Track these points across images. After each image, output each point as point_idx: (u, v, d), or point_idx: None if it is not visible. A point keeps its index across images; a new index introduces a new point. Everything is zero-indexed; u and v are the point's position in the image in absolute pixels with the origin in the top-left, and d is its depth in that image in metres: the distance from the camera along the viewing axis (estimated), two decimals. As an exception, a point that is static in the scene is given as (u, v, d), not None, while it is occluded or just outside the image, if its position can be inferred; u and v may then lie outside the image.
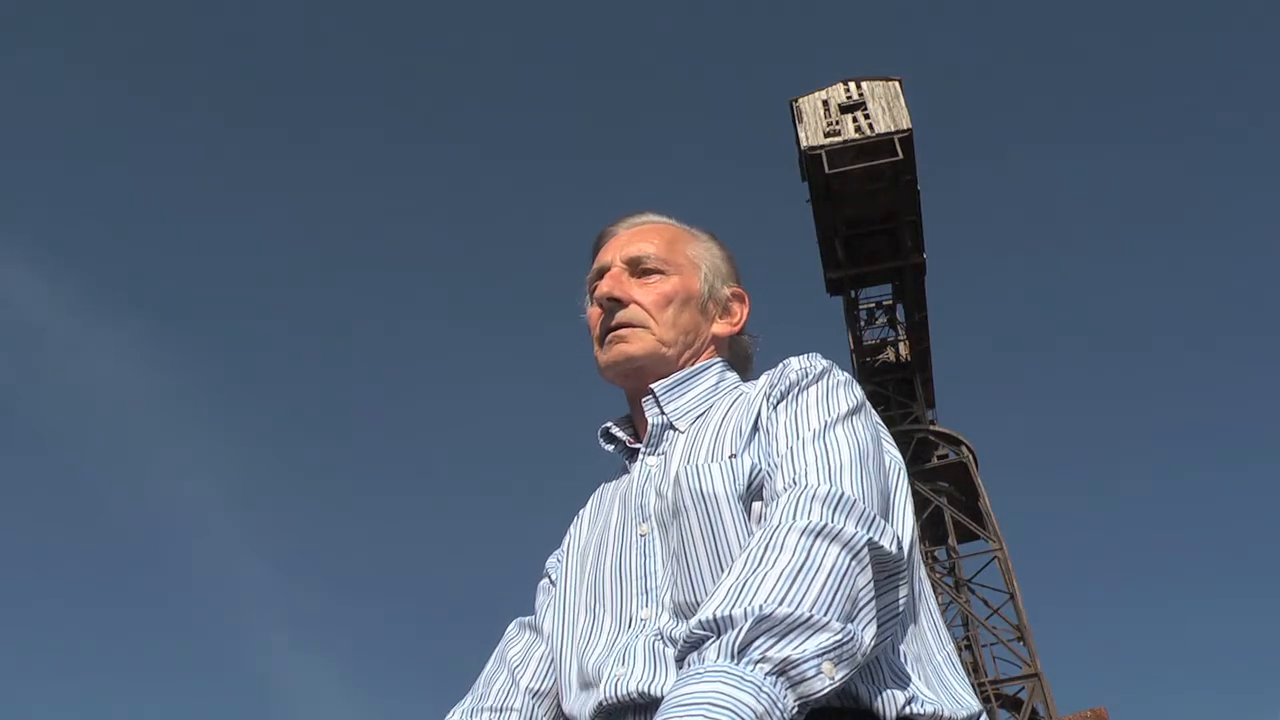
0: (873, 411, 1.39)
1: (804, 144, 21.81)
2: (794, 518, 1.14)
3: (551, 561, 1.61)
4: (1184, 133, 63.57)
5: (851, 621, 1.07)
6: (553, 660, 1.46)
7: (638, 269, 1.54)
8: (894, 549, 1.17)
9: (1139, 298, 57.50)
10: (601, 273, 1.55)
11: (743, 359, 1.60)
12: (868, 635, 1.09)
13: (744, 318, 1.59)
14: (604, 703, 1.24)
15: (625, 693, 1.22)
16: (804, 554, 1.10)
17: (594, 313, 1.55)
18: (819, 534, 1.12)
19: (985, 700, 20.41)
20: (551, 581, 1.57)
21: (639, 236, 1.57)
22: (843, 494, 1.17)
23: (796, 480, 1.22)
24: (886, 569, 1.17)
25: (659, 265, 1.54)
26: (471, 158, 71.55)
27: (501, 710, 1.48)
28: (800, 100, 22.59)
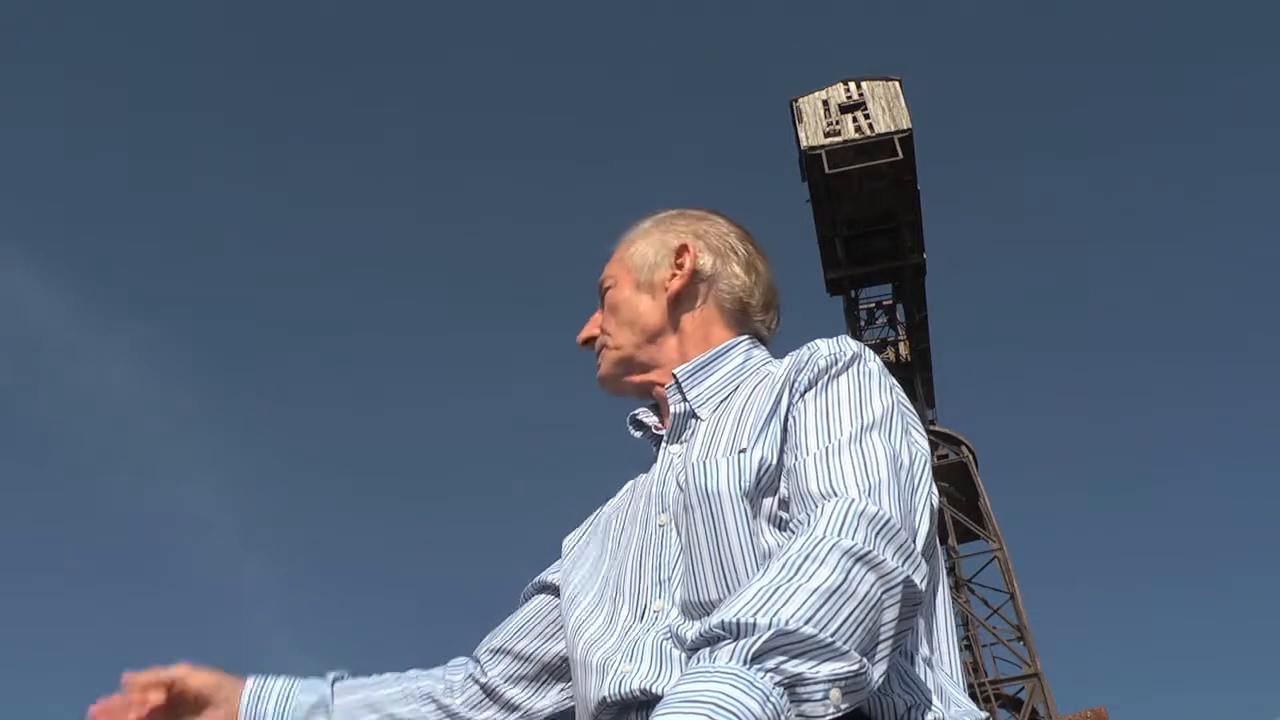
0: (904, 401, 1.35)
1: (804, 144, 21.80)
2: (840, 533, 1.11)
3: (567, 541, 1.59)
4: (1185, 131, 63.63)
5: (869, 656, 1.06)
6: (567, 643, 1.45)
7: (601, 295, 1.59)
8: (924, 586, 1.15)
9: (1139, 297, 57.56)
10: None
11: (735, 309, 1.51)
12: (878, 671, 1.07)
13: (690, 260, 1.51)
14: (608, 698, 1.24)
15: (629, 690, 1.21)
16: (842, 576, 1.07)
17: None
18: (860, 559, 1.09)
19: (985, 700, 20.39)
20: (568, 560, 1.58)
21: (609, 263, 1.61)
22: (889, 519, 1.14)
23: (835, 488, 1.19)
24: (912, 603, 1.14)
25: (609, 282, 1.57)
26: (472, 158, 71.53)
27: (494, 654, 1.56)
28: (800, 100, 22.58)
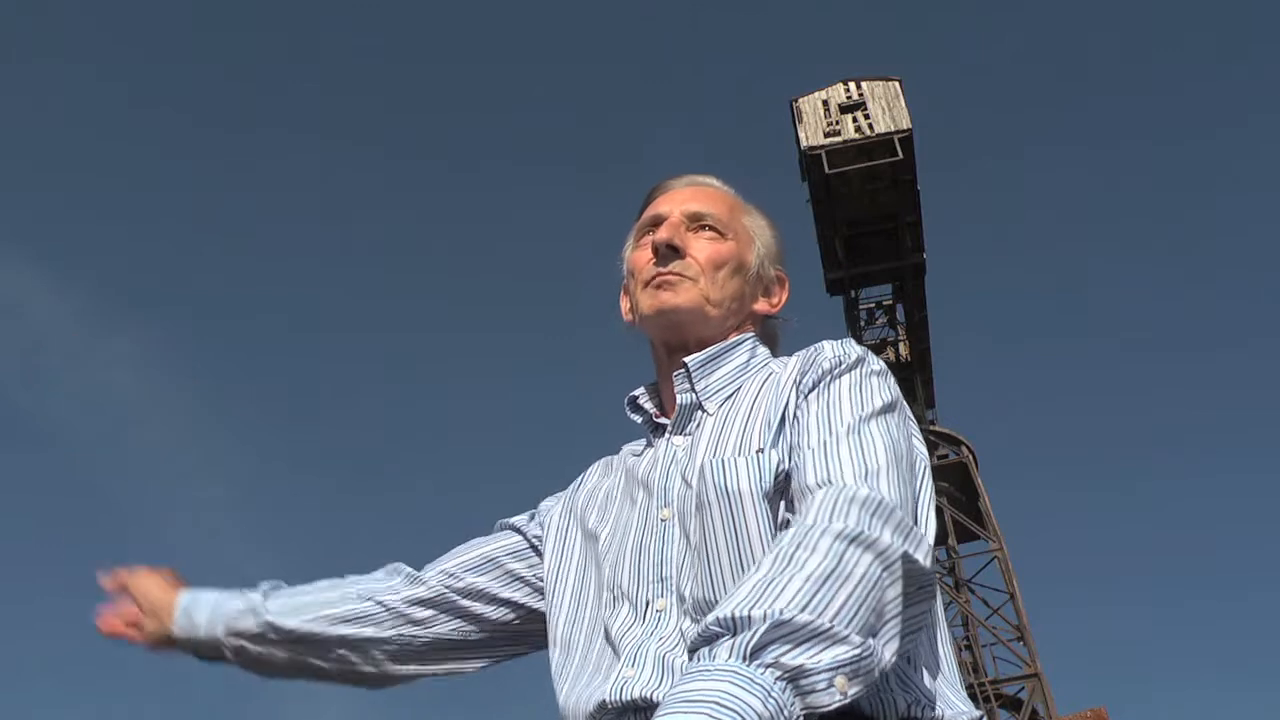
0: (905, 406, 1.35)
1: (804, 144, 21.75)
2: (830, 519, 1.10)
3: (548, 502, 1.60)
4: (1185, 131, 63.64)
5: (874, 636, 1.03)
6: (553, 632, 1.43)
7: (696, 224, 1.51)
8: (927, 563, 1.12)
9: (1139, 297, 57.51)
10: (657, 221, 1.52)
11: (771, 340, 1.55)
12: (889, 651, 1.05)
13: (783, 301, 1.57)
14: (608, 702, 1.22)
15: (630, 698, 1.20)
16: (835, 559, 1.05)
17: (641, 256, 1.51)
18: (854, 540, 1.07)
19: (985, 700, 20.39)
20: (540, 525, 1.58)
21: (701, 195, 1.54)
22: (882, 499, 1.13)
23: (831, 478, 1.18)
24: (918, 582, 1.12)
25: (718, 226, 1.51)
26: (471, 157, 71.57)
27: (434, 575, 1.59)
28: (800, 100, 22.54)
